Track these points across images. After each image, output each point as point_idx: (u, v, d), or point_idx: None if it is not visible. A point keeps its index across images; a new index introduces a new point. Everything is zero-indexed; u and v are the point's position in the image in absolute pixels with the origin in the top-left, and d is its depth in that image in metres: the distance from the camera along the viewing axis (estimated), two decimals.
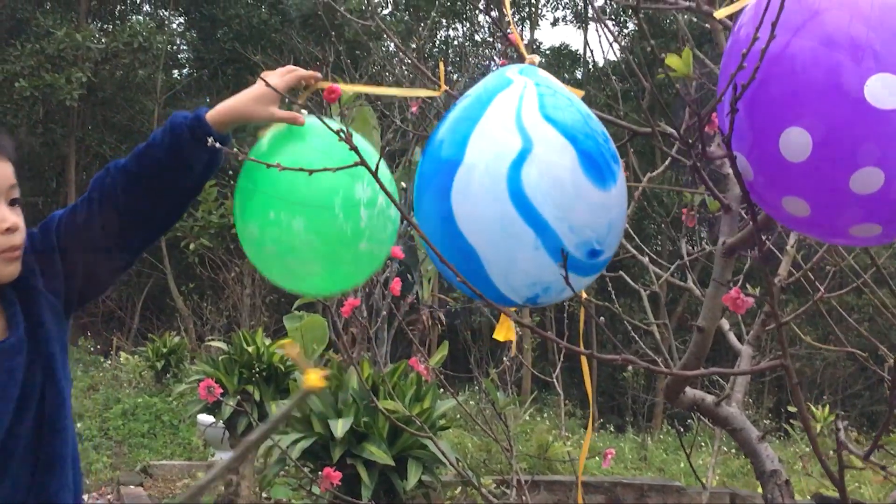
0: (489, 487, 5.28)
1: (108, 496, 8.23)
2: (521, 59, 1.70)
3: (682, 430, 14.79)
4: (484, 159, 1.43)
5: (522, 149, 1.42)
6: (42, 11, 19.25)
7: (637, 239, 2.57)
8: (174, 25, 23.08)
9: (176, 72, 23.23)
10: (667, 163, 2.31)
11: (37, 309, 1.69)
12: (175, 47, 22.85)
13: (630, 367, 16.34)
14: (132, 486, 8.11)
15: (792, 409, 10.55)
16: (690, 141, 1.53)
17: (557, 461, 8.90)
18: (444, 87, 1.98)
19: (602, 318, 2.21)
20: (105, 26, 21.77)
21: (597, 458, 8.23)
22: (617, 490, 8.25)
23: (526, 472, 8.28)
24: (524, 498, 2.95)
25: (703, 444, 11.27)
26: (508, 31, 1.88)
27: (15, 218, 1.60)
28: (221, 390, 3.65)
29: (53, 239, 1.76)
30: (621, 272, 2.43)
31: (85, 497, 8.14)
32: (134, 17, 22.67)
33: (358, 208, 1.77)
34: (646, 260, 2.41)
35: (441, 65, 2.02)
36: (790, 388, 1.32)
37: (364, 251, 1.84)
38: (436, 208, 1.49)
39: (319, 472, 2.85)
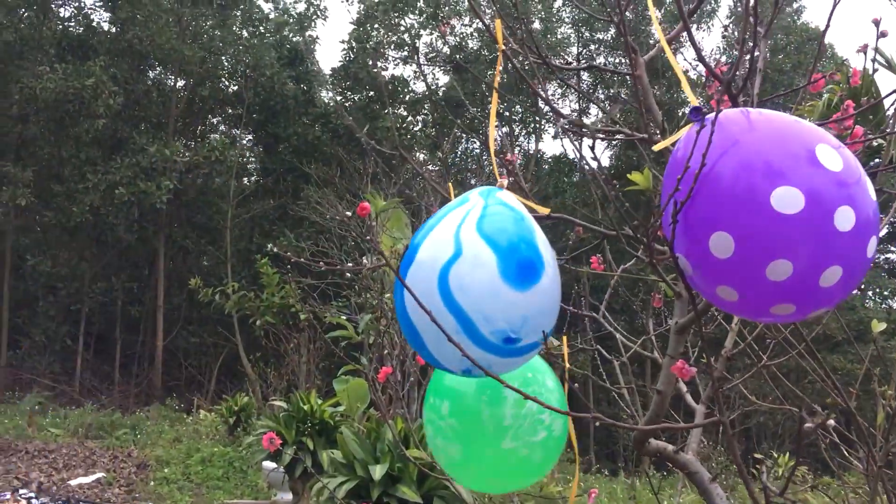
0: None
1: None
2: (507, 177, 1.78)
3: (665, 473, 14.50)
4: (427, 259, 1.52)
5: (453, 254, 1.50)
6: (138, 132, 19.70)
7: (622, 316, 2.62)
8: (244, 141, 23.53)
9: (245, 179, 23.56)
10: (633, 261, 2.38)
11: None
12: (245, 159, 23.22)
13: (621, 417, 16.12)
14: None
15: (758, 455, 10.37)
16: (645, 242, 1.60)
17: (555, 499, 8.71)
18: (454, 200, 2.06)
19: (587, 380, 2.25)
20: (188, 143, 22.23)
21: (584, 496, 8.05)
22: None
23: None
24: None
25: (684, 485, 11.03)
26: (507, 152, 1.97)
27: None
28: (281, 441, 3.67)
29: None
30: (598, 346, 2.47)
31: None
32: (212, 136, 23.16)
33: (502, 404, 1.76)
34: (619, 336, 2.46)
35: (451, 185, 2.12)
36: (727, 439, 1.37)
37: (514, 450, 1.78)
38: (399, 298, 1.58)
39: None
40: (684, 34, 2.04)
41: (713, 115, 1.34)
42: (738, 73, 1.78)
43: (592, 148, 1.71)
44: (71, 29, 20.60)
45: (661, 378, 1.86)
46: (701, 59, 1.62)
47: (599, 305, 2.64)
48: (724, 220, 1.35)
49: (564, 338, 2.10)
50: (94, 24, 20.85)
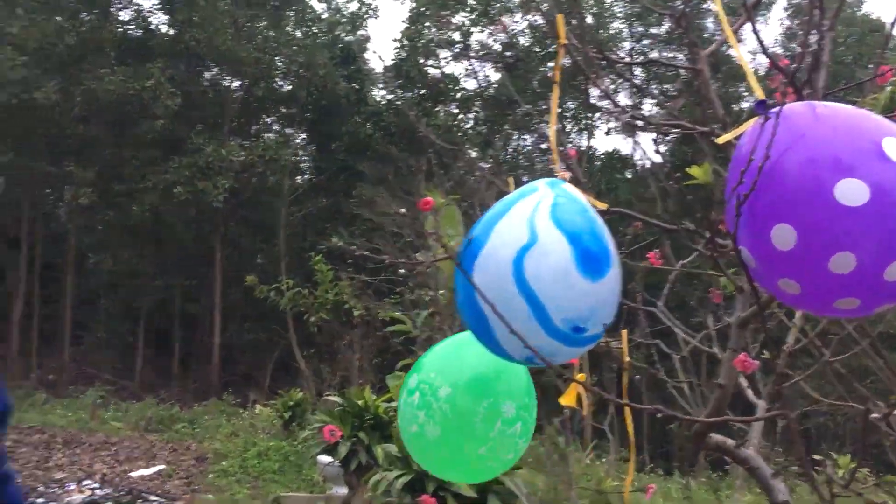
0: None
1: None
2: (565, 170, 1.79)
3: (720, 474, 14.29)
4: (500, 245, 1.52)
5: (528, 241, 1.51)
6: (195, 132, 20.08)
7: (681, 312, 2.61)
8: (297, 140, 23.81)
9: (299, 178, 23.85)
10: (694, 255, 2.37)
11: None
12: (298, 158, 23.49)
13: (676, 421, 15.91)
14: None
15: (818, 457, 10.15)
16: (708, 237, 1.61)
17: (611, 493, 8.67)
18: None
19: (645, 374, 2.26)
20: (243, 143, 22.57)
21: (641, 492, 7.99)
22: None
23: None
24: None
25: (741, 485, 10.86)
26: (563, 147, 1.99)
27: None
28: (341, 433, 3.74)
29: None
30: (658, 341, 2.47)
31: None
32: (266, 135, 23.51)
33: (496, 418, 1.81)
34: (678, 331, 2.45)
35: (510, 179, 2.14)
36: (791, 432, 1.37)
37: (482, 456, 1.86)
38: (464, 287, 1.57)
39: (419, 498, 2.91)
40: (743, 27, 2.04)
41: (778, 108, 1.35)
42: (801, 65, 1.77)
43: (656, 141, 1.72)
44: (130, 32, 21.12)
45: (723, 372, 1.86)
46: (765, 51, 1.62)
47: (656, 301, 2.64)
48: (788, 213, 1.35)
49: (624, 332, 2.11)
50: (153, 26, 21.36)
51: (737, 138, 1.57)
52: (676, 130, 1.99)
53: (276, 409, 12.32)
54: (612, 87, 21.66)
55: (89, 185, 17.84)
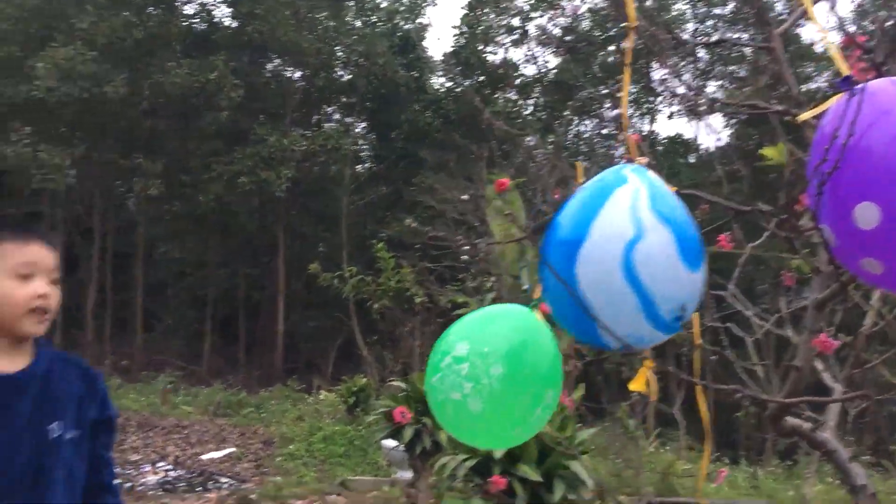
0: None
1: (317, 503, 8.47)
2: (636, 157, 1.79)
3: (789, 463, 13.98)
4: (605, 239, 1.54)
5: (635, 236, 1.53)
6: (257, 123, 20.41)
7: (747, 297, 2.59)
8: (357, 129, 24.00)
9: (359, 167, 24.04)
10: (766, 235, 2.34)
11: (68, 386, 1.78)
12: (358, 147, 23.68)
13: (743, 409, 15.64)
14: (333, 496, 8.32)
15: (893, 446, 9.88)
16: (784, 217, 1.60)
17: (679, 478, 8.60)
18: (581, 180, 2.09)
19: (715, 357, 2.25)
20: (305, 132, 22.84)
21: (710, 479, 7.89)
22: None
23: (652, 494, 8.04)
24: None
25: (808, 475, 10.63)
26: (628, 131, 1.98)
27: (50, 290, 1.72)
28: (411, 415, 3.80)
29: (100, 405, 1.86)
30: (730, 324, 2.44)
31: (299, 503, 8.43)
32: (327, 125, 23.76)
33: (538, 404, 1.85)
34: (750, 314, 2.43)
35: (578, 164, 2.15)
36: (871, 422, 1.36)
37: (513, 435, 1.90)
38: (563, 273, 1.58)
39: (489, 479, 2.95)
40: (816, 4, 2.00)
41: (862, 85, 1.33)
42: (878, 42, 1.74)
43: (727, 123, 1.71)
44: (195, 25, 21.54)
45: (799, 354, 1.84)
46: (843, 28, 1.59)
47: (727, 284, 2.61)
48: (871, 191, 1.34)
49: (696, 315, 2.10)
50: (217, 19, 21.75)
51: (816, 117, 1.55)
52: (752, 111, 1.96)
53: (340, 394, 12.48)
54: (676, 70, 21.28)
55: (157, 177, 18.29)
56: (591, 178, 1.89)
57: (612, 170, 1.69)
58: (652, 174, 1.67)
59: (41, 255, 1.74)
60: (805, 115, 1.51)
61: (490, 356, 1.88)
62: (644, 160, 1.69)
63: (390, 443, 8.37)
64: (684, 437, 11.23)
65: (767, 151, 2.13)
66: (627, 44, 1.71)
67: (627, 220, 1.54)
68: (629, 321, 1.51)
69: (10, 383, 1.69)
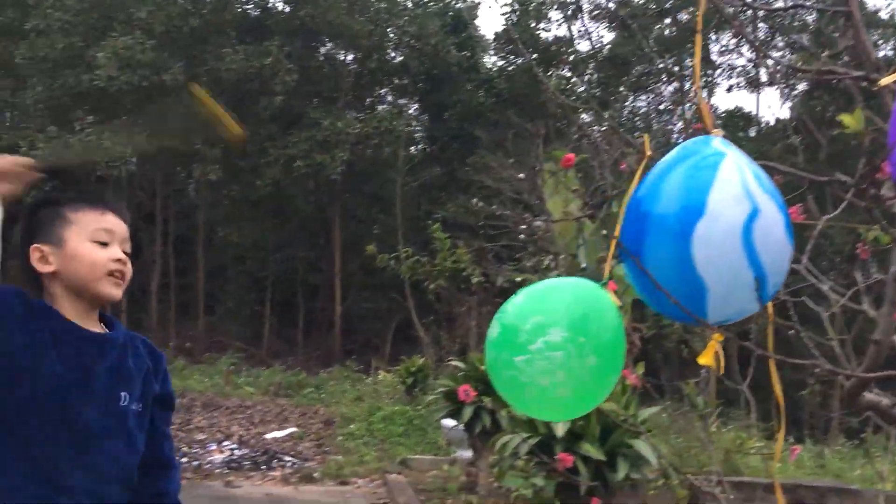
0: (684, 482, 5.16)
1: (377, 482, 8.62)
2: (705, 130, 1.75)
3: (856, 442, 13.66)
4: (723, 214, 1.51)
5: (753, 210, 1.51)
6: (311, 107, 20.55)
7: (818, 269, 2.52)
8: (411, 111, 24.01)
9: (413, 148, 24.07)
10: (842, 206, 2.27)
11: (139, 360, 1.82)
12: (412, 128, 23.70)
13: (808, 387, 15.34)
14: (394, 475, 8.43)
15: None
16: (864, 187, 1.55)
17: (741, 462, 8.48)
18: (649, 152, 2.05)
19: (794, 332, 2.19)
20: (358, 115, 22.96)
21: (781, 458, 7.76)
22: (799, 491, 7.70)
23: (720, 473, 7.93)
24: (724, 488, 2.91)
25: (878, 454, 10.38)
26: (696, 102, 1.93)
27: (124, 256, 1.78)
28: (475, 393, 3.81)
29: (162, 381, 1.89)
30: (804, 298, 2.39)
31: (359, 481, 8.57)
32: (380, 107, 23.83)
33: (538, 337, 1.80)
34: (826, 287, 2.37)
35: (646, 137, 2.11)
36: None
37: (520, 367, 1.87)
38: (671, 249, 1.55)
39: (555, 457, 2.94)
40: None
41: None
42: None
43: (794, 93, 1.66)
44: (249, 11, 21.76)
45: (879, 327, 1.79)
46: None
47: (801, 256, 2.54)
48: None
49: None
50: (270, 5, 21.93)
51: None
52: (830, 76, 1.90)
53: (399, 374, 12.58)
54: (735, 41, 20.80)
55: (215, 162, 18.59)
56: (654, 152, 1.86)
57: (696, 142, 1.66)
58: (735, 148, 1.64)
59: (117, 224, 1.80)
60: (886, 80, 1.46)
61: (586, 347, 1.87)
62: (720, 132, 1.65)
63: (450, 422, 8.43)
64: (752, 415, 11.06)
65: (845, 119, 2.06)
66: (699, 10, 1.67)
67: (743, 195, 1.52)
68: (741, 297, 1.50)
69: (96, 342, 1.75)
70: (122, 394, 1.75)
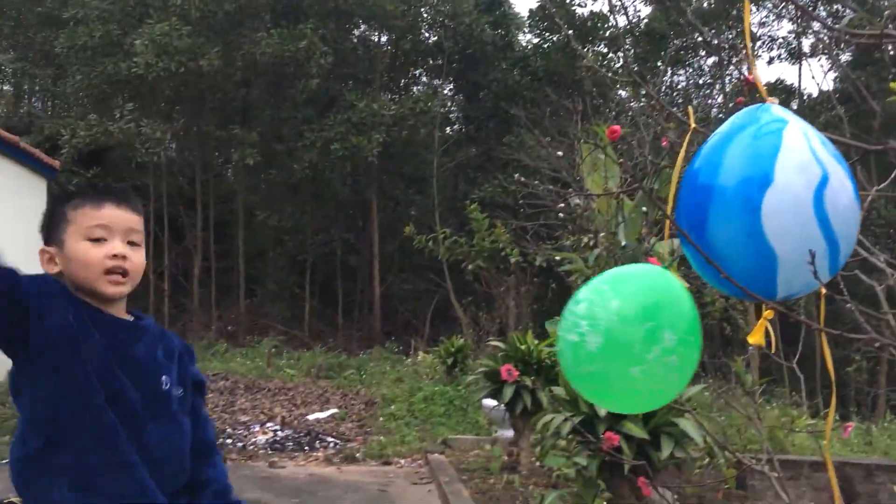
0: (731, 460, 5.10)
1: (419, 461, 8.68)
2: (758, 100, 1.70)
3: None
4: (793, 183, 1.45)
5: (823, 176, 1.45)
6: (347, 89, 20.58)
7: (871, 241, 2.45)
8: (446, 91, 23.92)
9: (448, 129, 24.02)
10: (893, 175, 2.20)
11: (172, 346, 1.83)
12: (447, 109, 23.64)
13: (854, 364, 15.09)
14: (436, 454, 8.47)
15: None
16: None
17: (787, 441, 8.37)
18: (693, 124, 2.00)
19: (850, 305, 2.13)
20: (393, 97, 22.96)
21: (835, 433, 7.62)
22: (846, 469, 7.58)
23: (770, 451, 7.83)
24: (775, 466, 2.86)
25: None
26: (748, 74, 1.88)
27: (125, 251, 1.72)
28: (518, 372, 3.79)
29: (194, 367, 1.92)
30: (857, 271, 2.32)
31: (402, 461, 8.62)
32: (415, 88, 23.78)
33: (652, 345, 1.76)
34: (881, 261, 2.30)
35: (690, 109, 2.06)
36: None
37: (636, 377, 1.81)
38: (739, 221, 1.49)
39: (601, 436, 2.91)
40: None
41: None
42: None
43: (859, 57, 1.59)
44: None
45: None
46: None
47: None
48: None
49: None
50: None
51: None
52: (887, 39, 1.83)
53: (438, 355, 12.61)
54: (776, 11, 20.34)
55: (253, 146, 18.73)
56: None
57: (751, 110, 1.60)
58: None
59: (115, 216, 1.75)
60: None
61: (608, 292, 1.84)
62: (775, 100, 1.60)
63: (491, 402, 8.44)
64: (802, 392, 10.89)
65: (894, 86, 2.00)
66: None
67: (811, 161, 1.46)
68: (810, 268, 1.44)
69: (131, 328, 1.76)
70: (164, 377, 1.76)
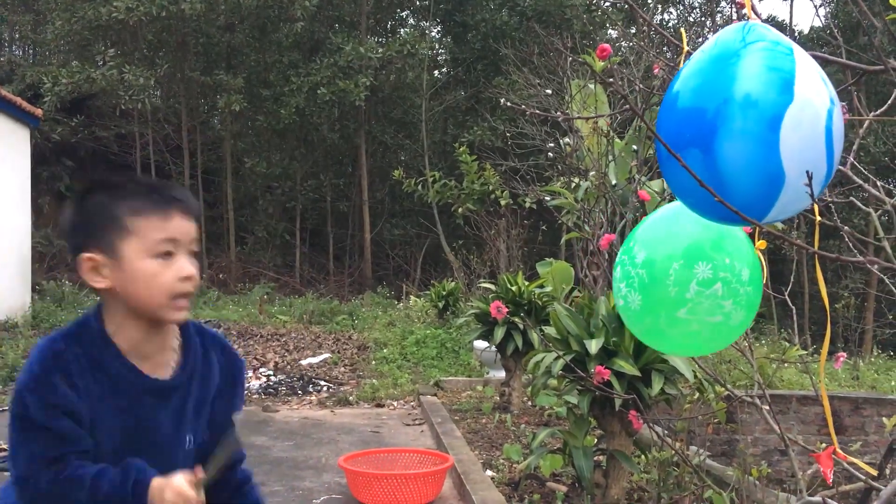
0: (721, 394, 5.12)
1: (411, 403, 8.73)
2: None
3: (891, 354, 13.59)
4: (808, 104, 1.42)
5: (832, 102, 1.45)
6: (333, 32, 20.20)
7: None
8: (433, 33, 23.54)
9: (437, 72, 23.70)
10: (888, 104, 2.13)
11: (206, 390, 1.63)
12: (435, 52, 23.29)
13: (842, 300, 15.23)
14: (429, 396, 8.51)
15: None
16: None
17: (776, 377, 8.46)
18: (687, 48, 1.93)
19: (847, 231, 2.08)
20: (380, 39, 22.57)
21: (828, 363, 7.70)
22: (834, 403, 7.68)
23: (762, 385, 7.92)
24: (766, 399, 2.86)
25: None
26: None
27: (192, 269, 1.52)
28: (507, 310, 3.76)
29: (231, 400, 1.69)
30: (852, 197, 2.27)
31: (394, 403, 8.68)
32: (402, 30, 23.35)
33: (689, 282, 1.74)
34: (872, 187, 2.25)
35: (682, 30, 1.98)
36: None
37: (683, 320, 1.79)
38: (754, 139, 1.42)
39: (592, 371, 2.89)
40: None
41: None
42: None
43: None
44: None
45: None
46: None
47: (846, 157, 2.41)
48: None
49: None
50: None
51: None
52: None
53: (430, 298, 12.62)
54: None
55: (239, 92, 18.44)
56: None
57: (736, 29, 1.53)
58: None
59: (183, 228, 1.55)
60: None
61: (635, 247, 1.85)
62: (759, 19, 1.53)
63: (482, 344, 8.48)
64: (787, 329, 10.98)
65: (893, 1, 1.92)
66: None
67: (822, 84, 1.44)
68: (805, 192, 1.41)
69: (154, 391, 1.55)
70: (188, 437, 1.60)
